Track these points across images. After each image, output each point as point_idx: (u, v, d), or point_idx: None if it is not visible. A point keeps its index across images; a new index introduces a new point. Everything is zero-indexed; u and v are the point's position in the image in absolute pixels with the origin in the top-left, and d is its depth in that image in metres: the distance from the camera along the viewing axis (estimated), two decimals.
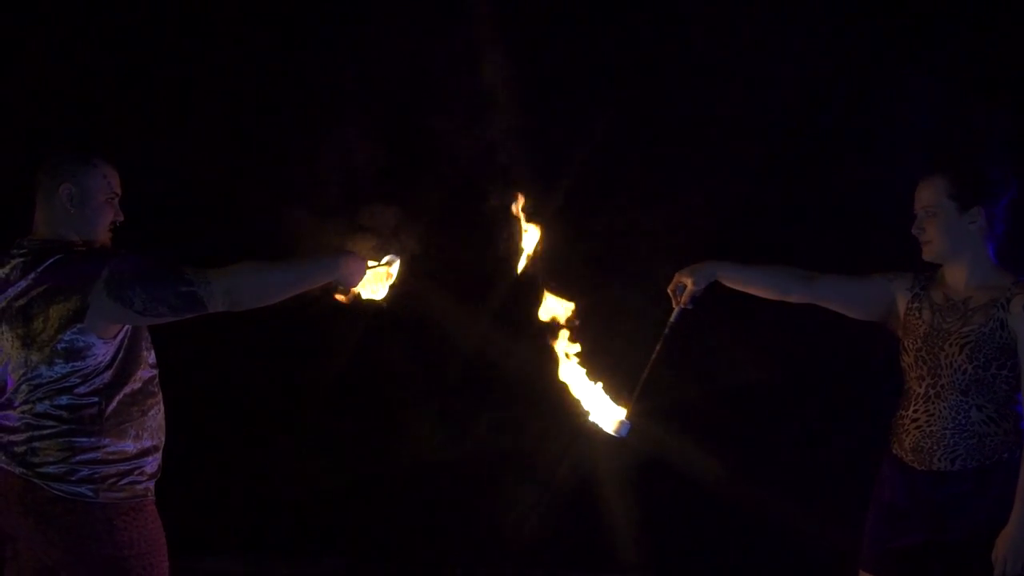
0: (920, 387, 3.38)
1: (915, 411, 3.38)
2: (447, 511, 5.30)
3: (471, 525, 5.27)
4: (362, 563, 5.37)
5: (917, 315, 3.42)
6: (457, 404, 5.28)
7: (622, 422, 3.52)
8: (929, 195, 3.38)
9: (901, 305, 3.47)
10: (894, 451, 3.44)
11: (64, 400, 3.03)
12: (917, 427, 3.37)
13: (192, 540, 5.26)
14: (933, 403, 3.34)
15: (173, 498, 4.75)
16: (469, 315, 5.20)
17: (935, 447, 3.33)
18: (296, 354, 5.25)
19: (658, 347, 3.55)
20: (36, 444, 3.03)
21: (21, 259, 3.07)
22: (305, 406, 5.29)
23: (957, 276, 3.40)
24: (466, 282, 5.09)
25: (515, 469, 5.24)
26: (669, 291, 3.62)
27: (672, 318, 3.58)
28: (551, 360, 3.63)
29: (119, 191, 3.23)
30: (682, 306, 3.57)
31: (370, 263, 3.35)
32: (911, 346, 3.41)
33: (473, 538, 5.28)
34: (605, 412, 3.56)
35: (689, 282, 3.56)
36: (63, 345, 3.01)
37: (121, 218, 3.23)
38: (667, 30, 4.86)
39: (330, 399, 5.30)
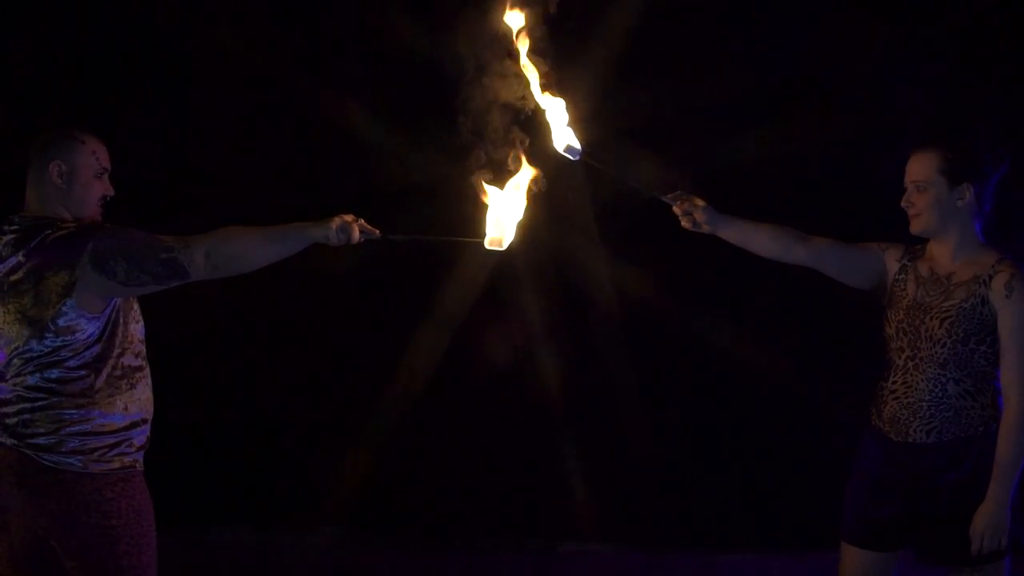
0: (900, 358, 3.40)
1: (893, 382, 3.41)
2: (449, 480, 5.32)
3: (471, 494, 5.30)
4: (364, 531, 5.41)
5: (902, 287, 3.44)
6: (453, 375, 5.30)
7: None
8: (920, 169, 3.40)
9: (889, 275, 3.49)
10: (873, 421, 3.48)
11: (55, 373, 3.09)
12: (895, 398, 3.40)
13: (196, 511, 5.33)
14: (911, 375, 3.37)
15: (178, 470, 4.83)
16: (461, 301, 5.22)
17: (911, 418, 3.36)
18: (299, 326, 5.27)
19: None
20: (27, 416, 3.09)
21: (12, 235, 3.12)
22: (308, 376, 5.31)
23: (943, 251, 3.42)
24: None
25: (513, 440, 5.27)
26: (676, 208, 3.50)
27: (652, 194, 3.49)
28: None
29: (108, 166, 3.26)
30: (668, 199, 3.47)
31: (358, 226, 3.18)
32: (893, 317, 3.44)
33: (472, 507, 5.31)
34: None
35: (700, 206, 3.46)
36: (53, 320, 3.06)
37: (112, 193, 3.26)
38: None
39: (331, 369, 5.32)
